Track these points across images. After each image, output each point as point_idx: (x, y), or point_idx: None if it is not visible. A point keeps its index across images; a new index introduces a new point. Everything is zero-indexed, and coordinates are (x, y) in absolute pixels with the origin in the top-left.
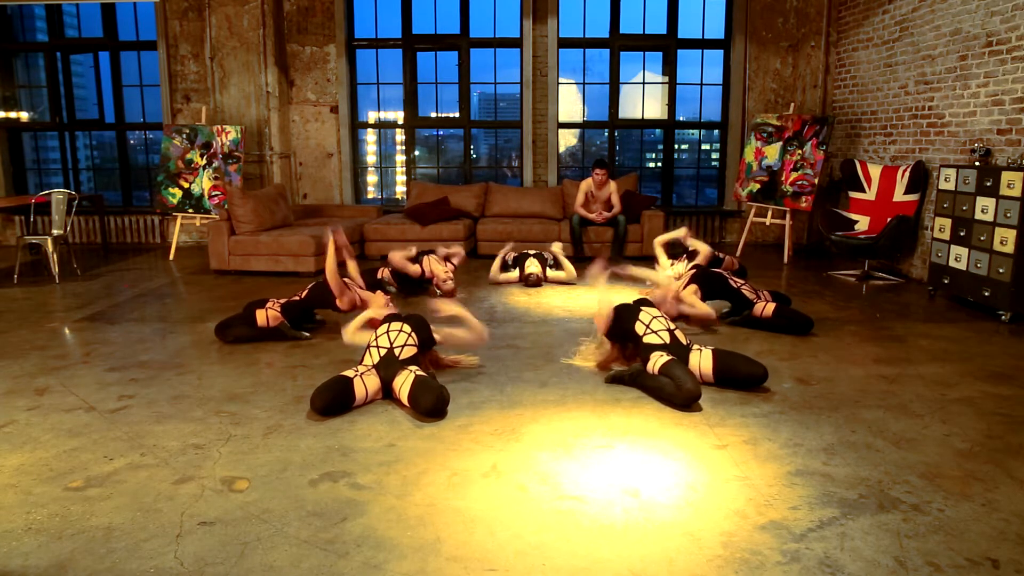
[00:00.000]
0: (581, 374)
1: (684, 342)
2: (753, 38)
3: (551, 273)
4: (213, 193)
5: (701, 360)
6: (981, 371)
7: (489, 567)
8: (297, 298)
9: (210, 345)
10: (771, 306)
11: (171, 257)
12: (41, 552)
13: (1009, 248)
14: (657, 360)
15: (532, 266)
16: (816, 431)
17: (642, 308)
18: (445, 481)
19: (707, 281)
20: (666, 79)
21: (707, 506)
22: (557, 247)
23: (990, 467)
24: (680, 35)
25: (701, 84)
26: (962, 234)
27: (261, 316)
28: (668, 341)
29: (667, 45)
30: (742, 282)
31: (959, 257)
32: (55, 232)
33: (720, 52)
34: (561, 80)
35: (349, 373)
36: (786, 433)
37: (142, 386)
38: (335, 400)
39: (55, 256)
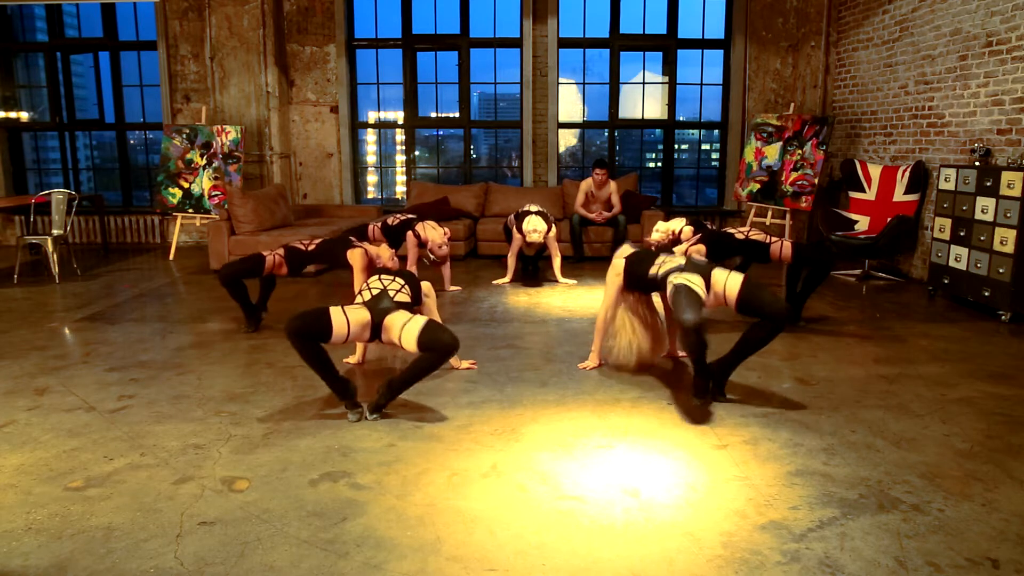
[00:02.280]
0: (581, 374)
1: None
2: (753, 38)
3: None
4: (213, 193)
5: (728, 282)
6: (981, 371)
7: (489, 567)
8: (302, 247)
9: (210, 345)
10: (788, 245)
11: (171, 257)
12: (41, 552)
13: (1009, 248)
14: (672, 280)
15: (531, 224)
16: (816, 431)
17: (658, 256)
18: (445, 481)
19: (713, 243)
20: (666, 79)
21: (707, 506)
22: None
23: (990, 467)
24: (680, 35)
25: (701, 84)
26: (962, 234)
27: (269, 260)
28: (683, 263)
29: (667, 45)
30: (747, 229)
31: (959, 257)
32: (55, 232)
33: (720, 52)
34: (561, 80)
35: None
36: (786, 433)
37: (142, 386)
38: (305, 325)
39: (55, 256)
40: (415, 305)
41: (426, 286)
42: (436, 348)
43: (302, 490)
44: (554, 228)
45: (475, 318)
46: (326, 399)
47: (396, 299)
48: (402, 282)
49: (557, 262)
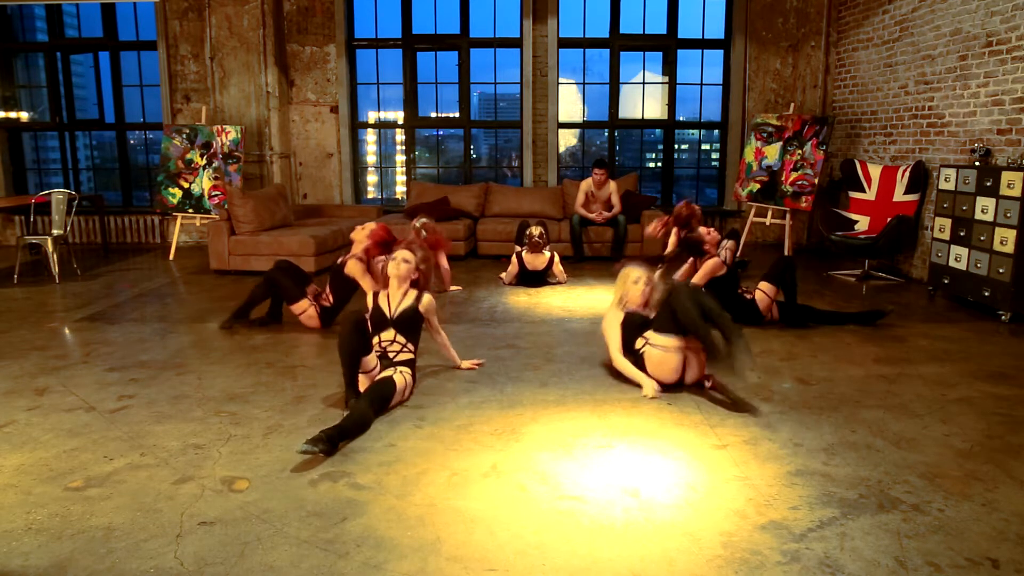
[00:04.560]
0: (581, 374)
1: None
2: (753, 38)
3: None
4: (213, 193)
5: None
6: (981, 371)
7: (489, 567)
8: (328, 303)
9: (210, 345)
10: (762, 295)
11: (171, 257)
12: (41, 552)
13: (1009, 248)
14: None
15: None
16: (816, 431)
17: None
18: (445, 481)
19: (718, 281)
20: (666, 79)
21: (707, 506)
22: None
23: (990, 467)
24: (680, 35)
25: (701, 84)
26: (962, 234)
27: (302, 307)
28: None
29: (667, 45)
30: (750, 295)
31: (959, 257)
32: (55, 232)
33: (720, 52)
34: (561, 80)
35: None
36: (786, 433)
37: (142, 386)
38: (364, 323)
39: (55, 256)
40: (415, 353)
41: (426, 301)
42: (358, 408)
43: (302, 490)
44: (557, 258)
45: (475, 318)
46: (326, 399)
47: (396, 360)
48: (403, 341)
49: (558, 266)
